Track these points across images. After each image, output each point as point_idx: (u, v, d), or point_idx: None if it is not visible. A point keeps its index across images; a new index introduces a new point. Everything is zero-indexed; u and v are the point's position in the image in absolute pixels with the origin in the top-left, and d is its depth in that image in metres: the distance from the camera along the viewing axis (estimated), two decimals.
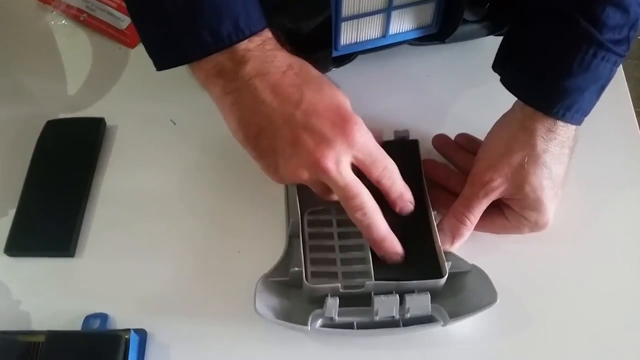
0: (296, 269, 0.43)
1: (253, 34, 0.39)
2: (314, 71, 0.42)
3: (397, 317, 0.42)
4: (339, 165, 0.39)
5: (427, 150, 0.52)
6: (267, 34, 0.41)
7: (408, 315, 0.42)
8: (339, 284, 0.42)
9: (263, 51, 0.40)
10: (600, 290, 0.47)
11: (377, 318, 0.42)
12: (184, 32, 0.39)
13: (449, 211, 0.46)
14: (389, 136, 0.51)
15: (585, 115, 0.45)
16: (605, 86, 0.44)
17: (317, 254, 0.45)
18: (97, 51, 0.60)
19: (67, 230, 0.48)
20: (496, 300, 0.42)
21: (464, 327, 0.44)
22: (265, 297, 0.43)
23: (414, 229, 0.45)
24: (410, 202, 0.45)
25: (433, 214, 0.46)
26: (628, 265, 0.48)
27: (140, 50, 0.60)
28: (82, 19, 0.62)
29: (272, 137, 0.39)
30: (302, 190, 0.46)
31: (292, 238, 0.46)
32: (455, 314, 0.42)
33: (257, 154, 0.41)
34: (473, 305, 0.43)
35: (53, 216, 0.49)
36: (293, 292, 0.44)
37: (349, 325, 0.42)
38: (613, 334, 0.45)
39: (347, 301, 0.42)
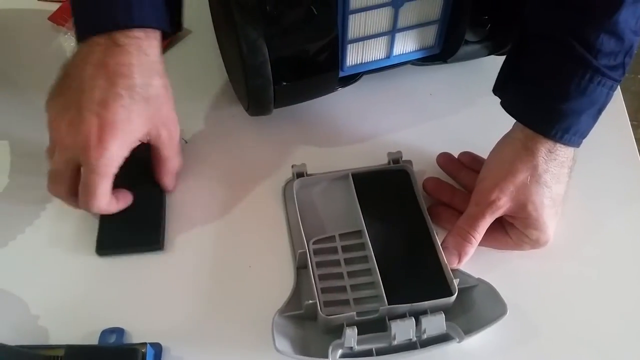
0: (310, 301, 0.43)
1: (129, 27, 0.44)
2: (149, 90, 0.45)
3: (414, 339, 0.43)
4: (112, 156, 0.44)
5: (431, 167, 0.54)
6: (149, 34, 0.45)
7: (425, 336, 0.43)
8: (354, 313, 0.42)
9: (129, 41, 0.44)
10: (604, 302, 0.48)
11: (395, 342, 0.42)
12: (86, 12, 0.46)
13: (453, 229, 0.47)
14: (382, 158, 0.53)
15: (583, 138, 0.46)
16: (602, 109, 0.45)
17: (327, 282, 0.45)
18: None
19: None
20: (506, 312, 0.43)
21: (474, 340, 0.45)
22: (282, 332, 0.43)
23: (418, 250, 0.47)
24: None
25: (435, 231, 0.47)
26: (628, 277, 0.49)
27: None
28: None
29: (66, 88, 0.45)
30: (305, 220, 0.47)
31: (299, 269, 0.47)
32: (469, 329, 0.43)
33: (54, 93, 0.46)
34: (485, 319, 0.44)
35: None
36: (307, 324, 0.45)
37: (368, 353, 0.43)
38: (618, 344, 0.46)
39: (362, 328, 0.42)
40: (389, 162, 0.52)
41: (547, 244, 0.48)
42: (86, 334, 0.46)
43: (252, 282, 0.48)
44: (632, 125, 0.59)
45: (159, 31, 0.46)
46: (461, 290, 0.45)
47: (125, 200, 0.49)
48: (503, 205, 0.46)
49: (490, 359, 0.45)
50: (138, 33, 0.44)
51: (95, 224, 0.51)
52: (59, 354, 0.42)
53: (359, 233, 0.48)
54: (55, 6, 0.66)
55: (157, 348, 0.45)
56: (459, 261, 0.47)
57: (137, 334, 0.46)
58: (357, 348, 0.42)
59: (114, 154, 0.44)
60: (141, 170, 0.51)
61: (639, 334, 0.47)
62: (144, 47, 0.45)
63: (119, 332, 0.45)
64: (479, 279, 0.46)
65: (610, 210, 0.53)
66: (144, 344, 0.43)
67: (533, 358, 0.45)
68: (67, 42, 0.64)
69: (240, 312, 0.47)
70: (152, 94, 0.45)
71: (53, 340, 0.46)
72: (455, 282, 0.44)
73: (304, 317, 0.45)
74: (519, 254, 0.49)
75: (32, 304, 0.48)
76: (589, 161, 0.54)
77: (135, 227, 0.50)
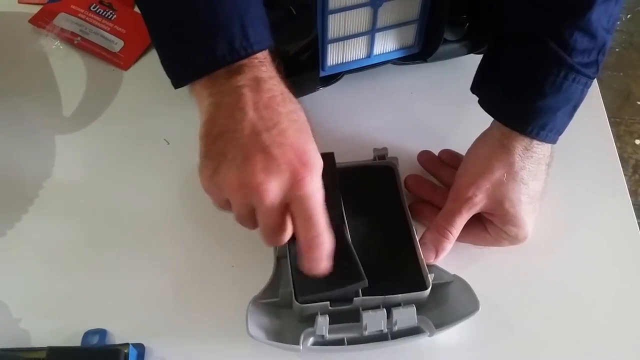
0: (286, 289, 0.44)
1: (249, 55, 0.39)
2: (302, 113, 0.41)
3: (386, 330, 0.43)
4: (276, 198, 0.37)
5: (412, 165, 0.54)
6: (266, 56, 0.40)
7: (396, 328, 0.43)
8: (328, 303, 0.43)
9: (259, 71, 0.39)
10: (578, 296, 0.49)
11: (366, 333, 0.43)
12: (175, 55, 0.40)
13: (431, 225, 0.48)
14: (369, 154, 0.53)
15: (559, 134, 0.47)
16: (577, 106, 0.46)
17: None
18: (91, 74, 0.62)
19: None
20: (478, 309, 0.44)
21: (449, 336, 0.46)
22: (256, 318, 0.44)
23: (396, 244, 0.47)
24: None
25: (414, 227, 0.48)
26: (606, 273, 0.50)
27: (133, 72, 0.61)
28: (76, 42, 0.63)
29: (229, 143, 0.38)
30: None
31: (280, 259, 0.48)
32: (441, 324, 0.44)
33: (206, 151, 0.39)
34: (457, 315, 0.45)
35: None
36: (283, 312, 0.46)
37: (339, 342, 0.43)
38: (595, 338, 0.47)
39: (336, 318, 0.43)
40: (374, 159, 0.53)
41: (525, 239, 0.48)
42: (68, 336, 0.45)
43: (235, 282, 0.49)
44: (614, 122, 0.60)
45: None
46: (436, 286, 0.46)
47: None
48: (479, 202, 0.47)
49: (464, 354, 0.46)
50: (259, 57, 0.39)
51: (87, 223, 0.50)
52: (40, 356, 0.42)
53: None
54: (36, 8, 0.66)
55: (140, 349, 0.45)
56: (436, 257, 0.47)
57: (120, 335, 0.46)
58: (328, 337, 0.43)
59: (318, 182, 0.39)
60: None
61: (616, 328, 0.47)
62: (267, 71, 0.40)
63: (102, 333, 0.45)
64: (454, 276, 0.47)
65: (588, 206, 0.54)
66: (127, 344, 0.43)
67: (507, 353, 0.46)
68: (48, 44, 0.64)
69: (224, 313, 0.47)
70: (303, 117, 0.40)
71: (35, 343, 0.45)
72: (430, 277, 0.45)
73: (280, 305, 0.45)
74: (497, 250, 0.50)
75: (13, 306, 0.47)
76: (567, 157, 0.54)
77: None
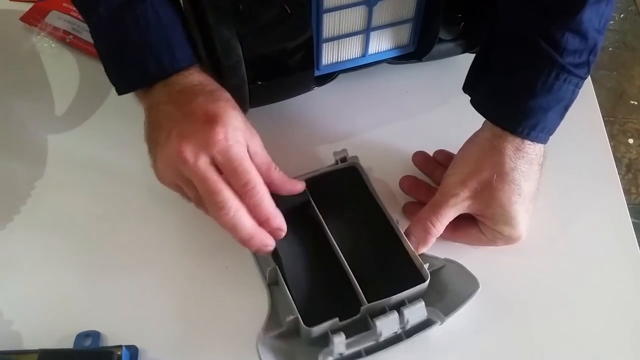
0: (290, 317, 0.43)
1: (176, 71, 0.44)
2: (224, 94, 0.45)
3: (400, 331, 0.43)
4: (197, 158, 0.41)
5: (406, 165, 0.54)
6: (194, 71, 0.45)
7: (408, 326, 0.43)
8: (337, 319, 0.42)
9: (187, 80, 0.45)
10: (572, 297, 0.49)
11: (381, 339, 0.43)
12: (117, 69, 0.47)
13: (416, 218, 0.48)
14: (365, 154, 0.53)
15: (550, 134, 0.47)
16: (568, 107, 0.46)
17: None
18: (83, 72, 0.61)
19: None
20: (479, 287, 0.44)
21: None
22: (268, 353, 0.42)
23: (384, 243, 0.47)
24: (280, 229, 0.43)
25: (396, 220, 0.48)
26: (600, 271, 0.50)
27: None
28: (68, 40, 0.63)
29: (158, 132, 0.43)
30: None
31: (271, 286, 0.47)
32: (447, 310, 0.44)
33: (148, 147, 0.45)
34: (460, 297, 0.45)
35: None
36: (290, 338, 0.44)
37: (357, 355, 0.43)
38: (589, 339, 0.47)
39: (345, 330, 0.42)
40: (336, 162, 0.52)
41: (520, 239, 0.48)
42: (61, 338, 0.45)
43: (228, 282, 0.48)
44: (608, 121, 0.60)
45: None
46: (431, 273, 0.46)
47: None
48: (466, 199, 0.47)
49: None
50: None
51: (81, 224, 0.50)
52: (32, 359, 0.42)
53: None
54: (27, 6, 0.65)
55: (133, 350, 0.44)
56: (418, 250, 0.47)
57: (113, 337, 0.45)
58: (346, 352, 0.42)
59: (229, 133, 0.42)
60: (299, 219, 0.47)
61: (611, 326, 0.48)
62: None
63: (95, 335, 0.45)
64: (445, 259, 0.47)
65: (583, 205, 0.54)
66: (120, 346, 0.43)
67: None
68: (40, 42, 0.63)
69: (216, 314, 0.47)
70: (224, 99, 0.45)
71: (27, 345, 0.45)
72: (425, 266, 0.45)
73: (285, 333, 0.44)
74: (492, 250, 0.50)
75: (5, 308, 0.47)
76: (562, 157, 0.55)
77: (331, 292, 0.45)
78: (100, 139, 0.56)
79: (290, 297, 0.44)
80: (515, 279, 0.49)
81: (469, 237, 0.49)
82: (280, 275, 0.45)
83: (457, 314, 0.45)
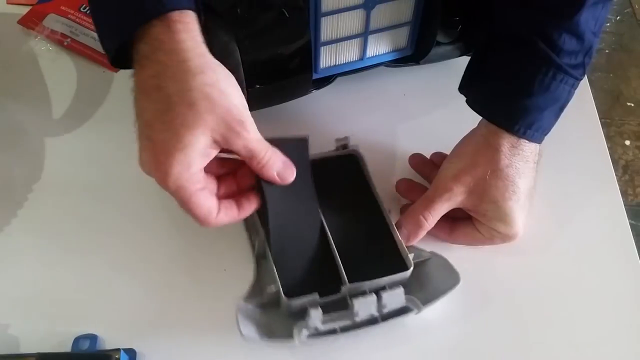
0: (272, 288, 0.44)
1: (169, 10, 0.38)
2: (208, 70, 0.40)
3: (377, 314, 0.44)
4: (160, 180, 0.41)
5: (404, 168, 0.54)
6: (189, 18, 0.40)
7: (385, 311, 0.44)
8: (317, 295, 0.43)
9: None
10: (569, 296, 0.49)
11: (357, 319, 0.44)
12: (104, 20, 0.42)
13: (408, 210, 0.49)
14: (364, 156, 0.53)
15: (545, 134, 0.47)
16: (564, 107, 0.47)
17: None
18: (81, 75, 0.61)
19: None
20: (459, 281, 0.45)
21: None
22: (247, 320, 0.44)
23: (373, 229, 0.48)
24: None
25: (388, 209, 0.48)
26: (596, 272, 0.50)
27: (124, 73, 0.61)
28: (66, 43, 0.63)
29: (136, 122, 0.42)
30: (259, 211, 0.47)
31: (259, 259, 0.47)
32: (426, 300, 0.45)
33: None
34: (440, 289, 0.46)
35: None
36: (270, 309, 0.45)
37: (332, 331, 0.44)
38: (587, 339, 0.47)
39: (324, 307, 0.43)
40: (337, 149, 0.53)
41: (516, 237, 0.49)
42: (58, 342, 0.45)
43: (227, 285, 0.48)
44: (604, 122, 0.60)
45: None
46: (416, 264, 0.46)
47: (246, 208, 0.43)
48: (459, 194, 0.47)
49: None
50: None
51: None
52: None
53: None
54: (25, 9, 0.65)
55: (131, 354, 0.44)
56: (408, 242, 0.48)
57: (110, 340, 0.45)
58: (322, 328, 0.43)
59: (178, 175, 0.39)
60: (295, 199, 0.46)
61: (608, 326, 0.48)
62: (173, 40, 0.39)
63: (92, 338, 0.45)
64: (431, 252, 0.48)
65: (580, 206, 0.54)
66: (118, 350, 0.43)
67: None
68: (38, 45, 0.63)
69: (216, 317, 0.47)
70: (196, 97, 0.39)
71: (24, 349, 0.45)
72: (410, 256, 0.46)
73: (266, 304, 0.45)
74: (487, 248, 0.50)
75: (2, 312, 0.47)
76: (559, 158, 0.55)
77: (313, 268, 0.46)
78: (97, 142, 0.56)
79: (274, 268, 0.44)
80: (507, 278, 0.50)
81: (466, 236, 0.49)
82: (267, 245, 0.45)
83: (436, 305, 0.45)
